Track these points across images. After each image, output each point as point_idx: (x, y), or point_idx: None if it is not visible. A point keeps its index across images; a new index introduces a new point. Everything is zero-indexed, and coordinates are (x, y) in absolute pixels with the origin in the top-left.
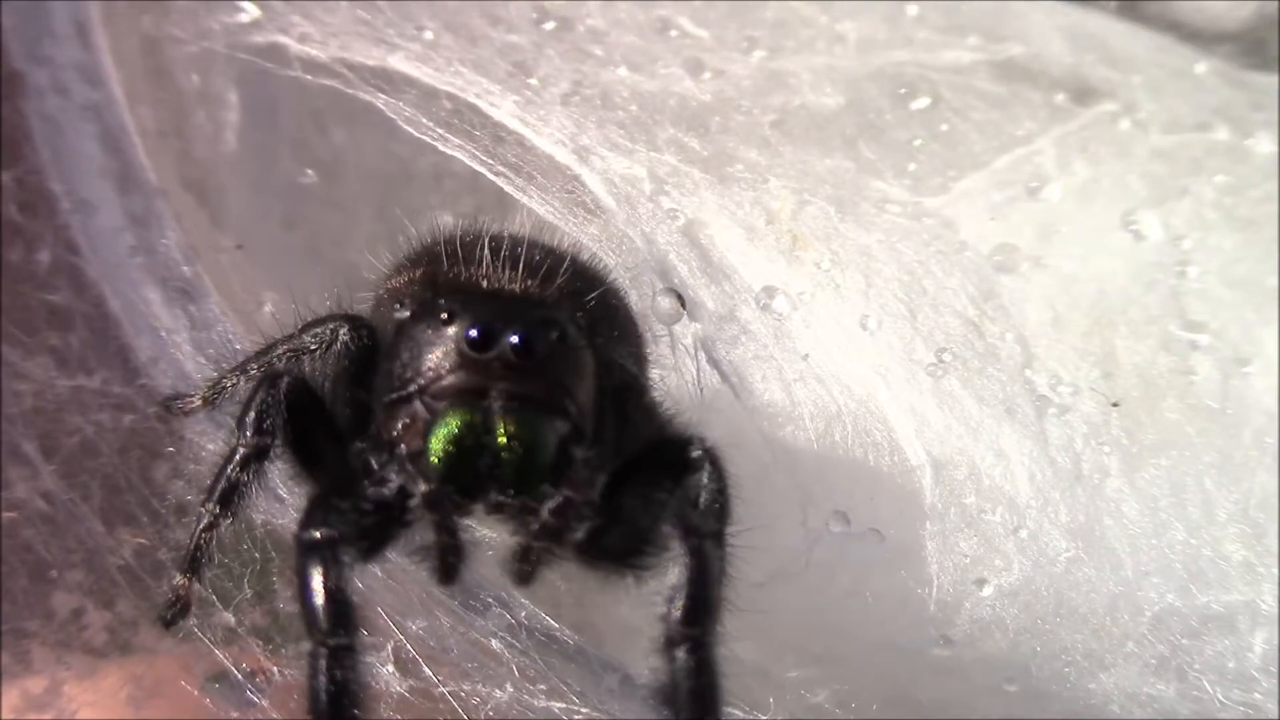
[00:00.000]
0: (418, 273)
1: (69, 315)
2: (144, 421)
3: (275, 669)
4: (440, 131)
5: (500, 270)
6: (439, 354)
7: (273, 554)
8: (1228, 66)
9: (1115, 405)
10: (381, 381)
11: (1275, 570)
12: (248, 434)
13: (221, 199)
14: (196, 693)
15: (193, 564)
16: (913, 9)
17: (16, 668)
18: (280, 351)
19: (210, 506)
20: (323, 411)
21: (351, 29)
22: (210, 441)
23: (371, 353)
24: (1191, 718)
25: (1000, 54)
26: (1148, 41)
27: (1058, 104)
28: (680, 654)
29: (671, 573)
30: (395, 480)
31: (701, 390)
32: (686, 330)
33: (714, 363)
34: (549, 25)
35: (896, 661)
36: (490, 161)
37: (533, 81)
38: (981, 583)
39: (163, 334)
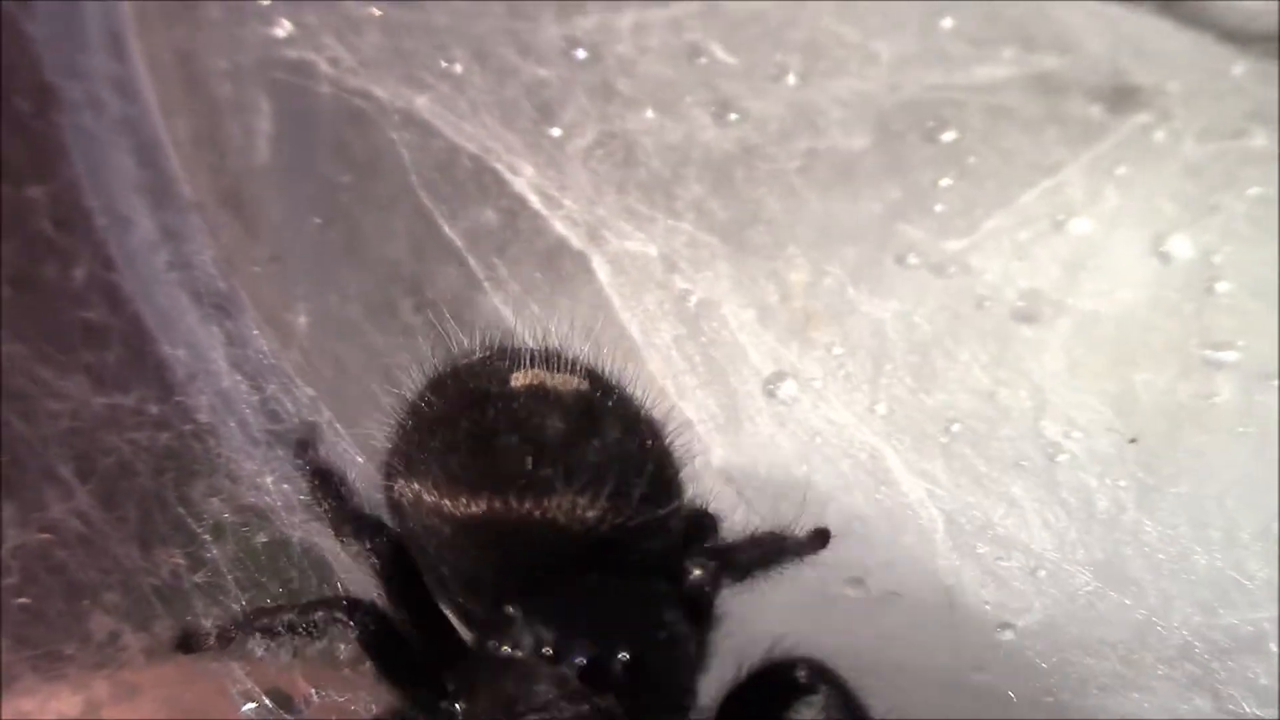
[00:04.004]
0: (444, 495)
1: (105, 332)
2: (180, 440)
3: (313, 691)
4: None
5: (557, 493)
6: (528, 687)
7: (310, 573)
8: (1264, 67)
9: (1133, 441)
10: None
11: None
12: None
13: (256, 209)
14: (234, 715)
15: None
16: (947, 22)
17: (51, 690)
18: (275, 623)
19: None
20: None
21: (381, 57)
22: (248, 459)
23: (389, 634)
24: None
25: (1035, 66)
26: (1184, 41)
27: (1091, 118)
28: None
29: None
30: None
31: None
32: None
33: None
34: (579, 54)
35: (933, 692)
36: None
37: (556, 132)
38: (1005, 627)
39: (199, 351)
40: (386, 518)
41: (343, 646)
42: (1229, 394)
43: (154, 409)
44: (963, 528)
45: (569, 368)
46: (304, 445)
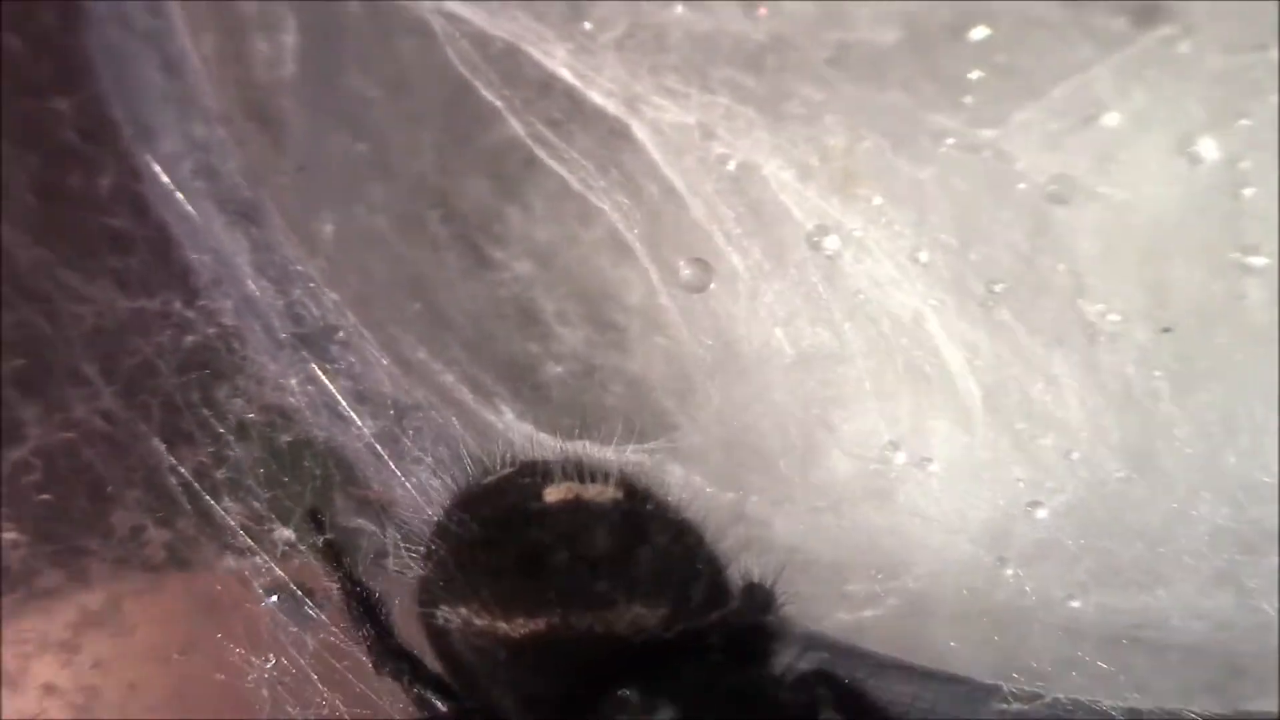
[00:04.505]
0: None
1: (130, 239)
2: (205, 343)
3: (334, 585)
4: (487, 78)
5: (618, 606)
6: None
7: (334, 471)
8: None
9: (1166, 331)
10: None
11: None
12: None
13: (283, 123)
14: (256, 608)
15: None
16: None
17: (74, 584)
18: None
19: None
20: None
21: None
22: (273, 361)
23: None
24: (1252, 628)
25: None
26: None
27: (1117, 30)
28: None
29: None
30: None
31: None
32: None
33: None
34: None
35: (957, 580)
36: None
37: (588, 25)
38: (1035, 505)
39: (224, 256)
40: (427, 643)
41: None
42: (1258, 298)
43: (179, 313)
44: (1001, 401)
45: (600, 478)
46: (337, 556)
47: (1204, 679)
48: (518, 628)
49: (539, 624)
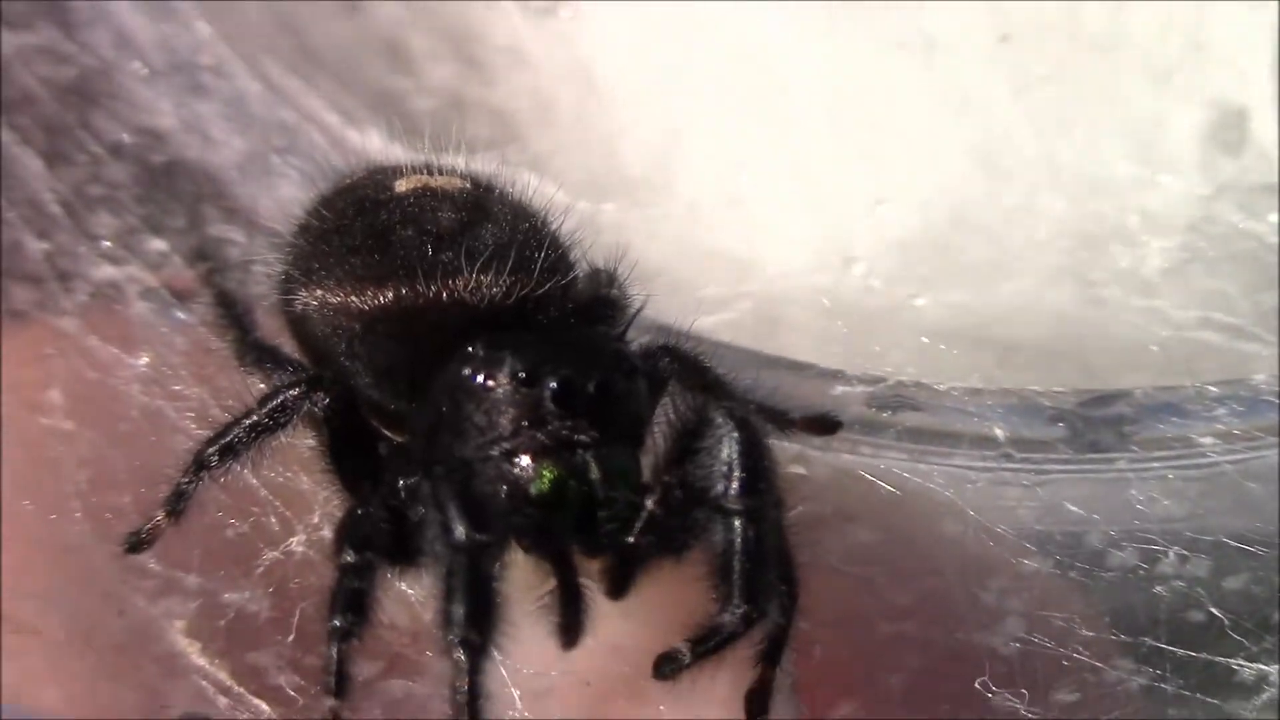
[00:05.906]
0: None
1: None
2: (84, 72)
3: (204, 287)
4: None
5: (461, 273)
6: (499, 416)
7: (204, 186)
8: None
9: (1004, 39)
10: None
11: (1164, 179)
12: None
13: None
14: (129, 312)
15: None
16: None
17: None
18: (234, 437)
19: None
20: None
21: None
22: (148, 89)
23: (350, 407)
24: (1096, 321)
25: None
26: None
27: None
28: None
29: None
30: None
31: None
32: None
33: None
34: None
35: (806, 280)
36: None
37: None
38: (880, 201)
39: None
40: (288, 333)
41: None
42: (1094, 8)
43: (60, 47)
44: (843, 106)
45: (447, 172)
46: (210, 271)
47: (1052, 375)
48: (368, 299)
49: (388, 294)
